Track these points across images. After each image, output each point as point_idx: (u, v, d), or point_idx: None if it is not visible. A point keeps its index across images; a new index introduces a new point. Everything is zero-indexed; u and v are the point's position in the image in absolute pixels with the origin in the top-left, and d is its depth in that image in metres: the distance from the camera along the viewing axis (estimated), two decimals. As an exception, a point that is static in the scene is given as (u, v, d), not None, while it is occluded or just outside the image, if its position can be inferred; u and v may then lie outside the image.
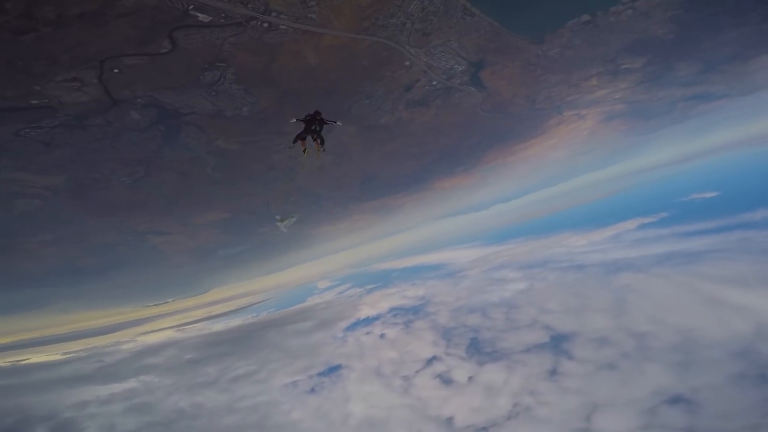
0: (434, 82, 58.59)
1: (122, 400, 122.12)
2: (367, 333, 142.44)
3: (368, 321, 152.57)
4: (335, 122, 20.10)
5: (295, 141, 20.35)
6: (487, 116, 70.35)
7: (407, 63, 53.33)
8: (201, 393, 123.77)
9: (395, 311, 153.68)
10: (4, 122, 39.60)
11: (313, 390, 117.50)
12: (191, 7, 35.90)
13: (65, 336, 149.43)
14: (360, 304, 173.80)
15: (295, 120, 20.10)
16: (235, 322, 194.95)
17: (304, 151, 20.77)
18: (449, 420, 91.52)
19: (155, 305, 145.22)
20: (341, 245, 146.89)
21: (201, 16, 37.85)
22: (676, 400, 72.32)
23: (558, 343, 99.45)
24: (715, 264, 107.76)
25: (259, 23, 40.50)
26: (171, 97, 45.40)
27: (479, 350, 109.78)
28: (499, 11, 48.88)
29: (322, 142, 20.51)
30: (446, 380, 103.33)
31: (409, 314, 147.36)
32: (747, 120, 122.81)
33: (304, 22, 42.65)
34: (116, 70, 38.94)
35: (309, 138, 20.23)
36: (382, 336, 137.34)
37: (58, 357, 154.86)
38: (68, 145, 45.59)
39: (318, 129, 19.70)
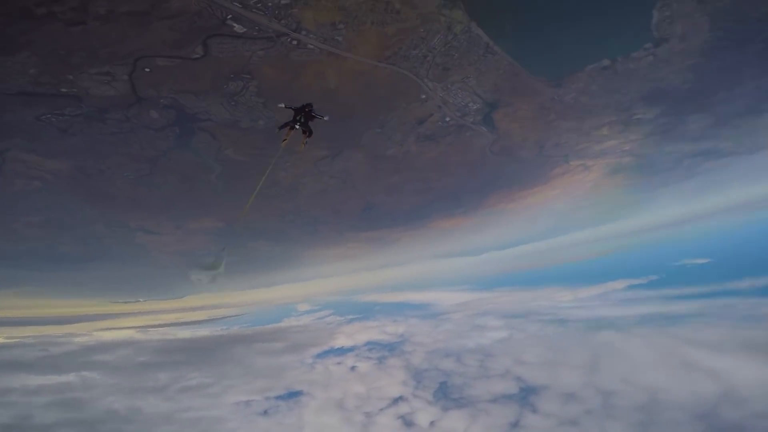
0: (447, 119, 60.02)
1: (51, 393, 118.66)
2: (338, 363, 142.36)
3: (342, 351, 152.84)
4: (323, 117, 20.34)
5: (281, 128, 20.66)
6: (495, 159, 71.75)
7: (423, 96, 55.01)
8: (143, 398, 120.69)
9: (371, 345, 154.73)
10: (29, 106, 40.66)
11: (265, 412, 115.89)
12: (229, 16, 37.75)
13: (17, 320, 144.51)
14: (337, 333, 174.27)
15: (284, 105, 20.41)
16: (203, 331, 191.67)
17: (284, 140, 21.15)
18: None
19: (124, 302, 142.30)
20: (330, 271, 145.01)
21: (237, 27, 39.77)
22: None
23: (526, 396, 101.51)
24: (694, 328, 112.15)
25: (288, 40, 42.30)
26: (192, 101, 46.91)
27: (447, 395, 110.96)
28: (520, 51, 50.45)
29: (310, 134, 20.63)
30: (408, 422, 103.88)
31: (385, 350, 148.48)
32: (750, 181, 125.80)
33: (330, 44, 44.35)
34: (147, 70, 40.54)
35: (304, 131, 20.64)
36: (352, 368, 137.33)
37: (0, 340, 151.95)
38: (83, 135, 46.53)
39: (303, 120, 19.92)
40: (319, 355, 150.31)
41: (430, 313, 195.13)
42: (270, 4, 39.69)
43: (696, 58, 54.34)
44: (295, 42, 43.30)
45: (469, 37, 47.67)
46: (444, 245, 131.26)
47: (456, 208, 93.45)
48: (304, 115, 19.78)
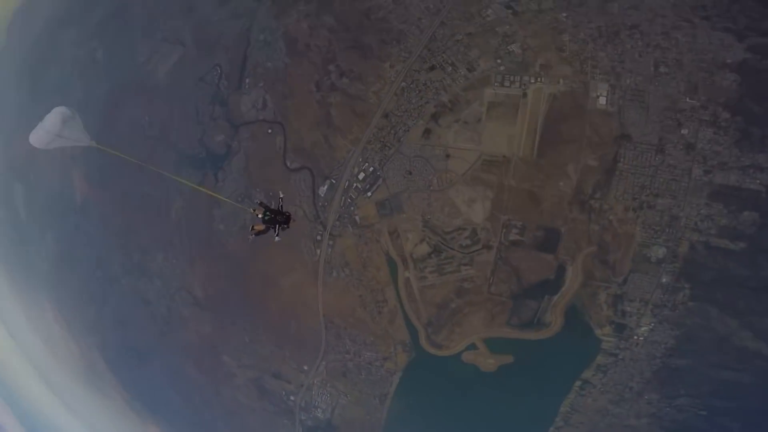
0: (292, 397, 61.18)
1: None
2: None
3: None
4: (276, 236, 21.34)
5: (261, 203, 22.08)
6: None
7: (306, 368, 58.90)
8: None
9: None
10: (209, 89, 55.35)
11: None
12: (333, 180, 52.61)
13: None
14: None
15: (281, 196, 23.00)
16: None
17: (253, 210, 21.88)
18: None
19: None
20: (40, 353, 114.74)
21: (322, 189, 53.41)
22: None
23: None
24: None
25: (318, 235, 54.18)
26: (237, 172, 57.22)
27: None
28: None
29: (263, 231, 21.49)
30: None
31: None
32: None
33: (326, 268, 54.27)
34: (270, 131, 55.97)
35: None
36: None
37: None
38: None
39: (268, 218, 21.06)
40: None
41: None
42: (355, 215, 52.37)
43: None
44: (318, 238, 53.66)
45: (382, 377, 54.77)
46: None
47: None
48: (275, 217, 21.14)
